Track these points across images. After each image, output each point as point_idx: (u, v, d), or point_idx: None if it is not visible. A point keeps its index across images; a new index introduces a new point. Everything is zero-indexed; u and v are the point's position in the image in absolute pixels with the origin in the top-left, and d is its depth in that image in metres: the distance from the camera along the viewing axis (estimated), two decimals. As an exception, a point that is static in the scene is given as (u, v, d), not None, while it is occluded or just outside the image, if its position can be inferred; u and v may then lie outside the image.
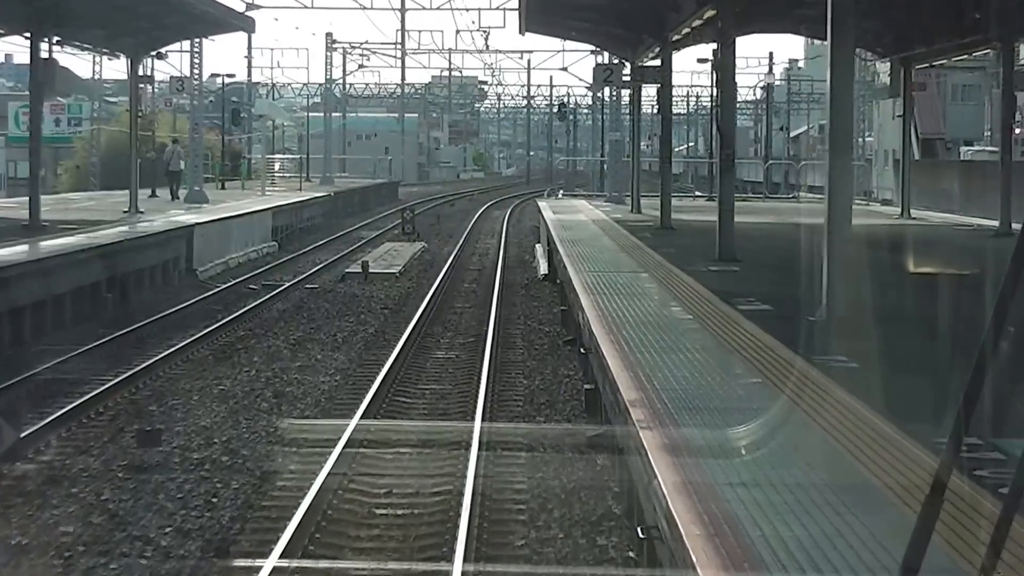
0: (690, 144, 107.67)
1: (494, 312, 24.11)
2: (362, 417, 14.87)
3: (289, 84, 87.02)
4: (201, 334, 21.77)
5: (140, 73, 34.52)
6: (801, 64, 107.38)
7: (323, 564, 9.72)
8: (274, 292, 28.09)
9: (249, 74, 76.89)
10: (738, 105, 64.07)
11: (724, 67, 19.71)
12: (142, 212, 34.61)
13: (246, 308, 25.29)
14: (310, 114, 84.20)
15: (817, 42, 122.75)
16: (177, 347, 20.35)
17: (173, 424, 14.81)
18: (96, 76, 62.72)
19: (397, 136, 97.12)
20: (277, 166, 72.36)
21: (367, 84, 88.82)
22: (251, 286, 29.82)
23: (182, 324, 23.47)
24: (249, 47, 77.58)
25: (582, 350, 15.54)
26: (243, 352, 20.36)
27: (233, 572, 9.63)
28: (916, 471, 6.82)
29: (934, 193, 41.86)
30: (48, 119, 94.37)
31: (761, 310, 14.49)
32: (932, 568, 3.04)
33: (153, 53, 35.02)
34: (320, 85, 72.61)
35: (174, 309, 24.83)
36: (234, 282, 30.13)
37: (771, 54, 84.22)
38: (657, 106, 29.71)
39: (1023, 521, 3.11)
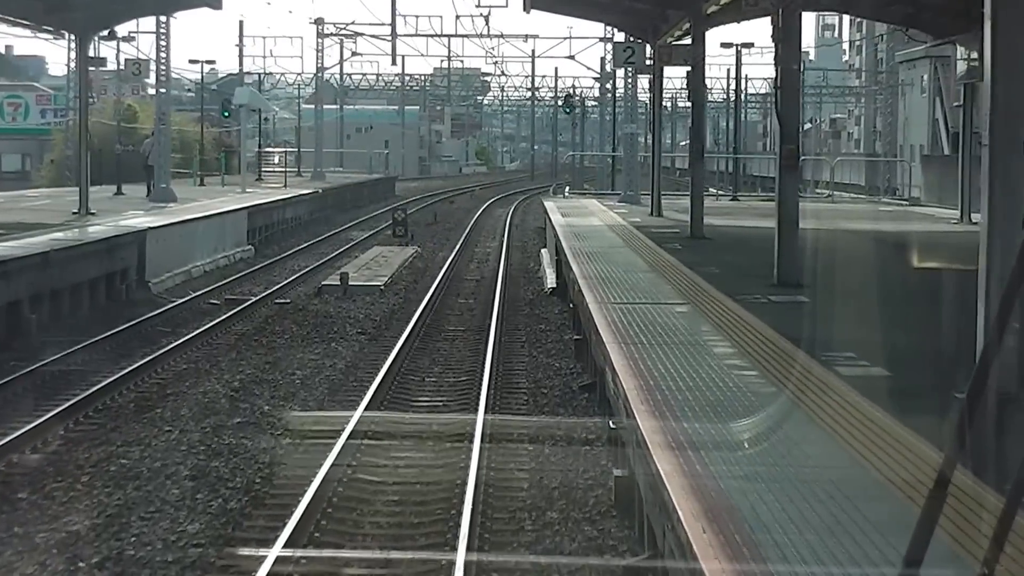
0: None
1: (492, 341, 19.80)
2: (303, 515, 10.67)
3: (284, 74, 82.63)
4: (128, 370, 17.52)
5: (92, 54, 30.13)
6: (812, 56, 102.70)
7: None
8: (236, 309, 23.80)
9: (241, 63, 72.67)
10: (745, 98, 59.56)
11: (787, 40, 15.34)
12: (94, 213, 30.32)
13: (196, 332, 21.04)
14: (304, 106, 79.94)
15: (828, 33, 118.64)
16: (93, 390, 16.11)
17: (35, 529, 10.49)
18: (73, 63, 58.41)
19: (397, 129, 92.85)
20: (276, 159, 68.16)
21: (364, 75, 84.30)
22: (212, 301, 25.54)
23: (111, 355, 19.30)
24: (240, 35, 73.42)
25: (611, 424, 11.23)
26: (172, 399, 16.06)
27: None
28: None
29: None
30: (34, 109, 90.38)
31: (873, 376, 10.14)
32: (935, 561, 3.03)
33: (104, 32, 30.62)
34: (313, 76, 68.05)
35: (108, 334, 20.56)
36: (193, 296, 25.87)
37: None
38: (688, 91, 25.30)
39: None
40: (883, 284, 16.05)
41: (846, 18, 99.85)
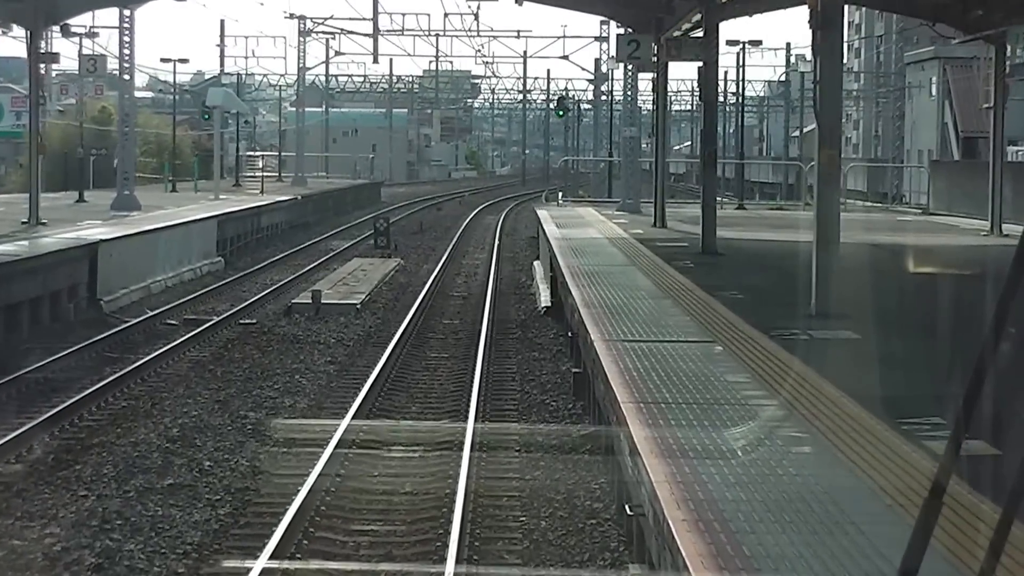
0: (686, 143, 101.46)
1: (479, 374, 17.27)
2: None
3: (266, 75, 79.97)
4: (56, 411, 14.99)
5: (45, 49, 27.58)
6: (808, 56, 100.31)
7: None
8: (195, 331, 21.27)
9: (222, 63, 70.13)
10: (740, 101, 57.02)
11: (828, 27, 12.82)
12: (44, 223, 27.75)
13: (145, 360, 18.51)
14: (289, 108, 77.40)
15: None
16: (6, 440, 13.53)
17: None
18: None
19: (384, 133, 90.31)
20: (261, 163, 65.68)
21: (350, 76, 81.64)
22: (169, 321, 23.01)
23: (41, 389, 16.89)
24: (222, 34, 70.81)
25: (628, 510, 8.72)
26: (97, 452, 13.51)
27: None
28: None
29: (979, 197, 35.37)
30: (9, 112, 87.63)
31: (982, 458, 7.58)
32: (930, 572, 2.97)
33: (58, 25, 28.05)
34: (296, 77, 65.31)
35: (43, 363, 18.02)
36: (150, 315, 23.29)
37: (788, 44, 76.81)
38: (698, 90, 22.70)
39: (1022, 525, 2.99)
40: (942, 314, 13.51)
41: (845, 19, 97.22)
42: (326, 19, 56.50)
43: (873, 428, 8.59)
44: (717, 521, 6.63)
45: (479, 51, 67.31)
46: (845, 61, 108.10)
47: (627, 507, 8.81)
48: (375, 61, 54.37)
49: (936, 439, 8.11)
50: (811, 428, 8.65)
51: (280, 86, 75.80)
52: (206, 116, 59.98)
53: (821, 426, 8.70)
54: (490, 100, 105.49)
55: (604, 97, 64.25)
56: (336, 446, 12.83)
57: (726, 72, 61.42)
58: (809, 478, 7.49)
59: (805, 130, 79.11)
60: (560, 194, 44.78)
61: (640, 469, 7.86)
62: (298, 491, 11.12)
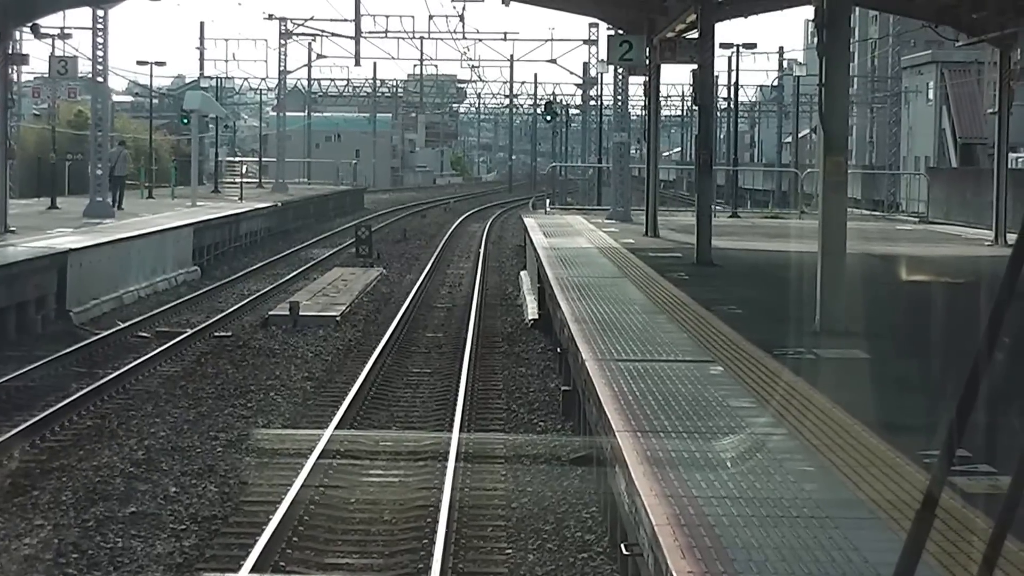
0: (676, 149, 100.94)
1: (464, 391, 16.47)
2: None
3: (247, 79, 79.12)
4: (16, 432, 14.17)
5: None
6: (801, 60, 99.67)
7: None
8: (167, 344, 20.43)
9: (201, 66, 69.33)
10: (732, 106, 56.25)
11: (834, 27, 12.03)
12: (13, 231, 26.88)
13: (113, 375, 17.68)
14: (272, 113, 76.59)
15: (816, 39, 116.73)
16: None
17: None
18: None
19: (368, 138, 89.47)
20: (246, 168, 64.90)
21: (333, 80, 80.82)
22: (141, 334, 22.16)
23: (3, 407, 16.11)
24: (201, 37, 69.99)
25: (624, 550, 7.92)
26: (57, 476, 12.68)
27: None
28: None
29: (978, 205, 34.72)
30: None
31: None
32: None
33: (27, 25, 27.19)
34: (277, 80, 64.46)
35: (5, 378, 17.24)
36: (120, 327, 22.43)
37: (781, 48, 76.11)
38: (691, 94, 21.93)
39: (1015, 538, 2.97)
40: (954, 331, 12.71)
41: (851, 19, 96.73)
42: (306, 20, 55.56)
43: (892, 461, 7.83)
44: (728, 574, 5.88)
45: (464, 54, 66.42)
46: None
47: (623, 546, 8.03)
48: (357, 64, 53.48)
49: (962, 475, 7.32)
50: (824, 461, 7.90)
51: (261, 90, 75.00)
52: (184, 120, 59.07)
53: (836, 459, 7.94)
54: (476, 105, 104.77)
55: (593, 102, 63.55)
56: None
57: (717, 76, 60.80)
58: (827, 520, 6.74)
59: (799, 136, 78.59)
60: (548, 201, 43.99)
61: (639, 508, 7.08)
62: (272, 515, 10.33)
